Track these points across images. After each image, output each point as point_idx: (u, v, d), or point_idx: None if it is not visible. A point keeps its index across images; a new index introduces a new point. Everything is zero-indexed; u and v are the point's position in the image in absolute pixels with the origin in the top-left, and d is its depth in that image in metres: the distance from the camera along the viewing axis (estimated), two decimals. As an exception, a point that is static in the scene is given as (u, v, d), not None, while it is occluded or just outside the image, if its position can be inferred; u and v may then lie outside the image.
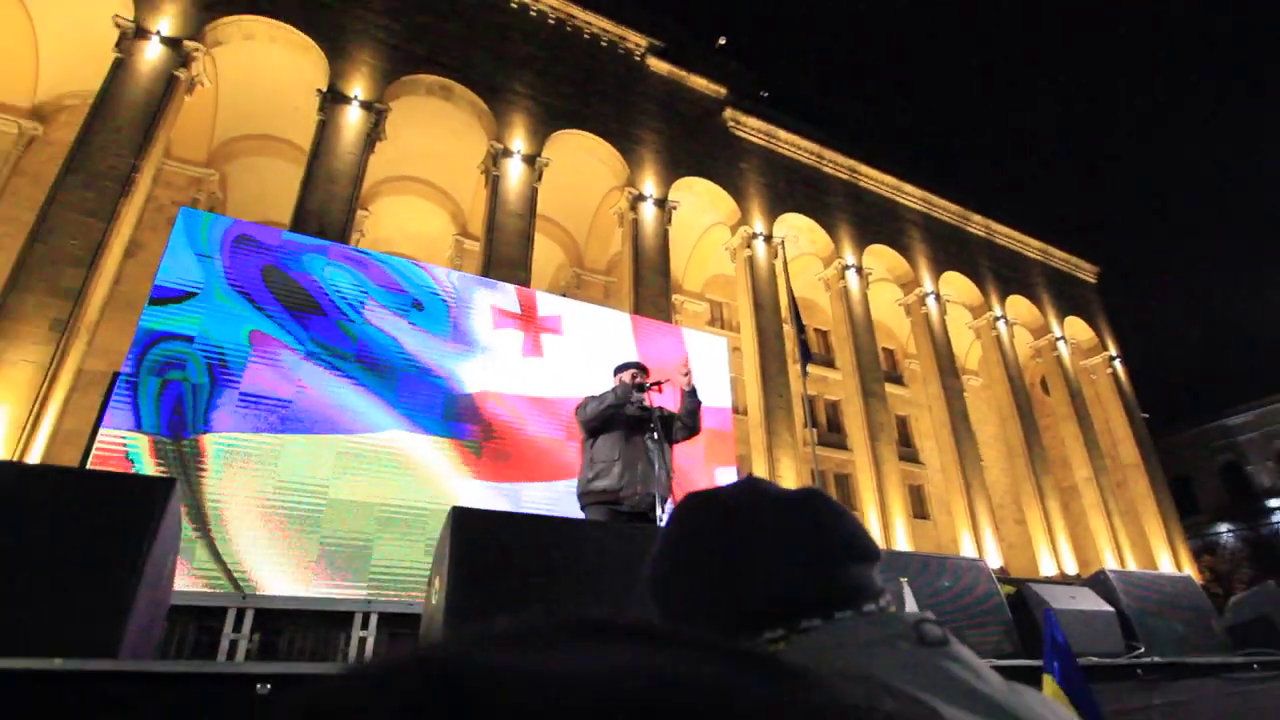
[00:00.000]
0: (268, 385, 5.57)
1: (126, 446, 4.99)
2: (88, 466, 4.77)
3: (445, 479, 5.95)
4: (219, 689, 1.44)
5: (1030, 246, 26.23)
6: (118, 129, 11.82)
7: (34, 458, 9.36)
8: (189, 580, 4.81)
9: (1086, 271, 27.74)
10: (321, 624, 6.99)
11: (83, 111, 12.37)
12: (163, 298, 5.51)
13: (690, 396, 4.20)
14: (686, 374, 4.17)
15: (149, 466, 4.97)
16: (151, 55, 12.75)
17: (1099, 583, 3.50)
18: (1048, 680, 1.62)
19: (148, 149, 11.97)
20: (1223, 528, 31.17)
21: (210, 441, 5.22)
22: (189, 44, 13.17)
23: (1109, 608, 3.30)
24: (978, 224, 24.99)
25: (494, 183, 15.61)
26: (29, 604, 1.49)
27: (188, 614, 6.13)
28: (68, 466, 8.14)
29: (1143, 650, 3.11)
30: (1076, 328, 25.87)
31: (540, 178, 16.22)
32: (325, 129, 13.90)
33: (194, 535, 4.84)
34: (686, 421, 4.26)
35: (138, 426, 5.05)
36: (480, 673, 0.22)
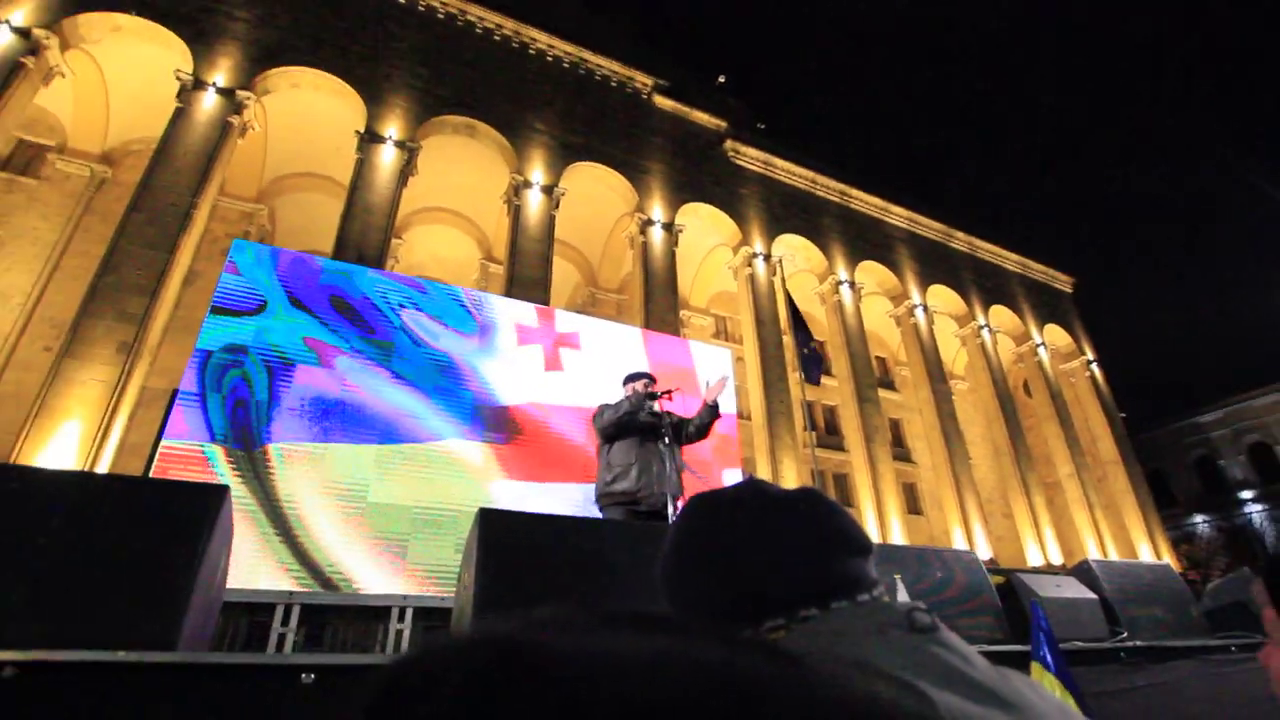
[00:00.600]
0: (320, 386, 5.62)
1: (204, 451, 5.04)
2: (150, 475, 4.83)
3: (474, 482, 5.96)
4: (267, 679, 1.43)
5: (1010, 260, 26.02)
6: (177, 171, 12.04)
7: (103, 468, 9.47)
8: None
9: (1063, 282, 27.46)
10: (361, 618, 7.00)
11: (147, 155, 12.62)
12: (224, 308, 5.58)
13: (713, 410, 4.20)
14: (720, 392, 4.18)
15: (225, 472, 5.02)
16: (208, 104, 13.01)
17: (1083, 572, 3.43)
18: (1036, 667, 1.59)
19: (204, 188, 12.18)
20: (1199, 519, 30.53)
21: (273, 449, 5.27)
22: (241, 93, 13.43)
23: (1093, 595, 3.23)
24: (960, 240, 24.85)
25: (515, 211, 15.74)
26: (96, 601, 1.50)
27: (240, 609, 6.16)
28: (132, 475, 8.23)
29: (1125, 635, 3.04)
30: (1055, 334, 25.59)
31: (557, 206, 16.34)
32: (363, 166, 14.09)
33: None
34: (701, 425, 4.26)
35: (210, 438, 5.11)
36: (536, 649, 0.23)
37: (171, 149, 12.25)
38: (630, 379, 4.31)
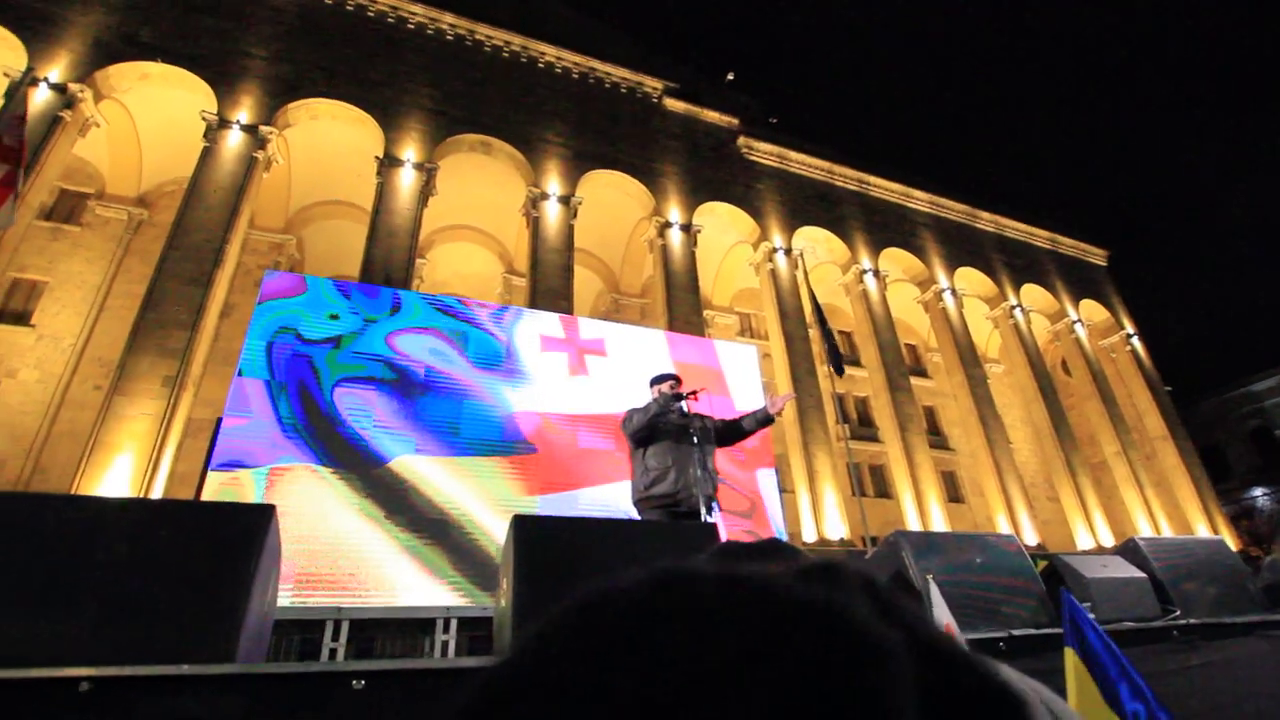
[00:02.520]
0: (348, 407, 5.77)
1: (248, 476, 5.23)
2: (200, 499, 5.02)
3: (508, 491, 6.05)
4: (321, 686, 1.50)
5: (1039, 237, 25.37)
6: (208, 208, 12.49)
7: (155, 496, 9.84)
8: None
9: (1097, 255, 26.66)
10: (408, 630, 7.15)
11: (180, 195, 13.13)
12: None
13: (769, 420, 4.21)
14: (779, 409, 4.19)
15: (262, 494, 5.20)
16: (233, 142, 13.48)
17: (1130, 550, 3.34)
18: (1069, 653, 1.56)
19: (234, 223, 12.62)
20: (1257, 492, 29.21)
21: (313, 469, 5.43)
22: (264, 129, 13.87)
23: (1141, 574, 3.14)
24: (986, 220, 24.32)
25: (534, 224, 15.93)
26: (159, 618, 1.58)
27: (292, 627, 6.35)
28: (184, 500, 8.56)
29: (1178, 613, 2.95)
30: (1092, 310, 24.84)
31: (575, 215, 16.48)
32: (384, 190, 14.42)
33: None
34: (751, 428, 4.27)
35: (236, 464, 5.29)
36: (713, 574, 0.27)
37: (201, 188, 12.71)
38: (656, 381, 4.33)
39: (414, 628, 7.04)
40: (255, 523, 1.89)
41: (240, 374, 5.70)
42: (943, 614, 1.69)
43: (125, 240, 15.05)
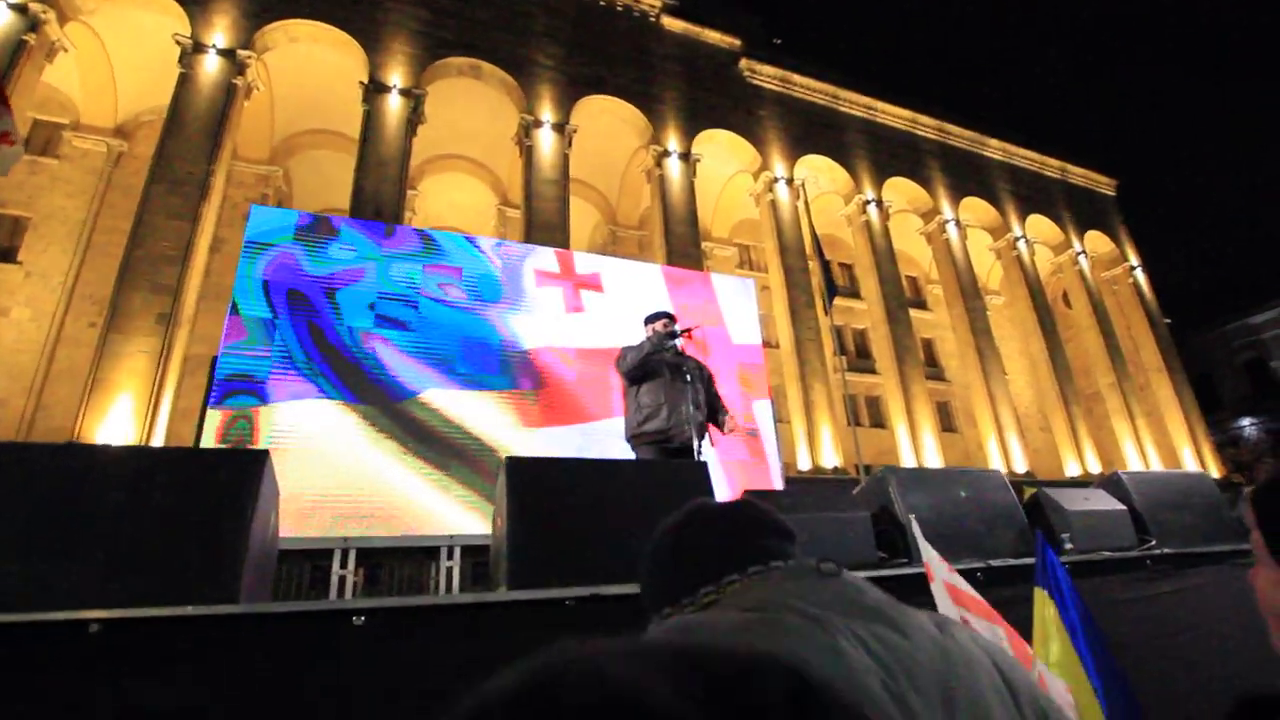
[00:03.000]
0: (345, 340, 5.79)
1: (244, 415, 5.29)
2: (199, 439, 5.10)
3: (507, 426, 6.15)
4: (322, 624, 1.57)
5: (1049, 166, 24.69)
6: (189, 139, 12.06)
7: (159, 433, 10.01)
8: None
9: (1105, 185, 26.04)
10: (414, 557, 7.44)
11: (159, 126, 12.65)
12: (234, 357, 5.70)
13: (725, 425, 4.18)
14: (733, 426, 4.16)
15: (266, 432, 5.28)
16: (210, 68, 12.85)
17: (1113, 484, 3.43)
18: (1038, 592, 1.63)
19: (217, 154, 12.21)
20: (1245, 422, 29.74)
21: (307, 404, 5.49)
22: (242, 53, 13.21)
23: (1121, 507, 3.24)
24: (994, 148, 23.59)
25: (528, 153, 15.44)
26: (162, 563, 1.64)
27: (302, 556, 6.59)
28: (181, 447, 8.70)
29: (1154, 543, 3.06)
30: (1097, 241, 24.51)
31: (570, 144, 15.96)
32: (370, 118, 13.89)
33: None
34: (718, 422, 4.25)
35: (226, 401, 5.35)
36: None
37: (181, 117, 12.23)
38: (650, 319, 4.33)
39: (420, 554, 7.33)
40: (250, 468, 1.92)
41: (234, 310, 5.67)
42: (925, 550, 1.75)
43: (106, 173, 14.62)
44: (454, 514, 5.67)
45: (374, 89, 14.10)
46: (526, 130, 15.60)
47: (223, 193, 13.19)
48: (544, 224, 14.53)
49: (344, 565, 5.28)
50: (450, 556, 5.63)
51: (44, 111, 14.45)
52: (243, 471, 1.91)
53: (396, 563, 7.67)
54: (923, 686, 0.55)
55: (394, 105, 14.18)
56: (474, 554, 6.11)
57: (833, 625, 0.59)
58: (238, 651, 1.45)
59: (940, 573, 1.65)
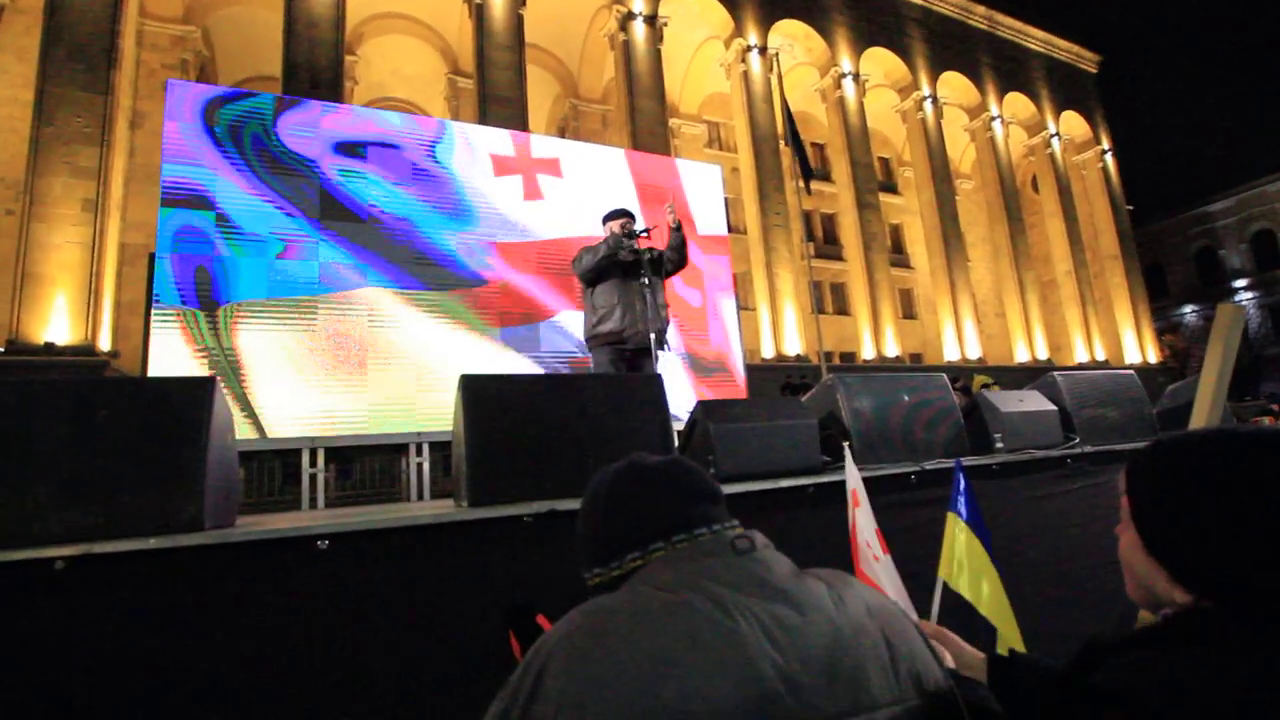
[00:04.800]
0: (293, 255, 5.56)
1: (190, 315, 5.13)
2: (148, 343, 4.97)
3: (467, 324, 6.12)
4: (287, 550, 1.65)
5: (1033, 38, 23.64)
6: (84, -12, 10.58)
7: (105, 332, 9.67)
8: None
9: (1088, 61, 25.20)
10: (383, 453, 7.62)
11: (44, -28, 11.01)
12: (173, 198, 5.30)
13: (675, 232, 4.12)
14: (671, 211, 4.09)
15: (208, 337, 5.16)
16: (96, -103, 11.02)
17: (1047, 385, 3.65)
18: (950, 517, 1.78)
19: (121, 11, 10.80)
20: (1188, 309, 31.24)
21: (249, 307, 5.34)
22: (131, -121, 11.31)
23: (1053, 407, 3.48)
24: (980, 16, 22.36)
25: (478, 11, 14.05)
26: (122, 497, 1.67)
27: (273, 456, 6.70)
28: (126, 377, 8.44)
29: (1077, 440, 3.33)
30: (1072, 124, 24.13)
31: (524, 3, 14.54)
32: (295, -35, 12.31)
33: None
34: (672, 256, 4.23)
35: (183, 303, 5.16)
36: None
37: (69, -39, 10.64)
38: (609, 217, 4.21)
39: (390, 449, 7.51)
40: (199, 395, 1.91)
41: (164, 204, 5.31)
42: (852, 477, 1.88)
43: (-8, 31, 12.86)
44: (421, 415, 5.77)
45: (296, -69, 12.37)
46: (475, -14, 14.11)
47: (135, 58, 11.85)
48: (499, 97, 13.56)
49: (313, 464, 5.40)
50: (419, 453, 5.79)
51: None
52: (192, 399, 1.90)
53: (367, 457, 7.87)
54: (810, 661, 0.63)
55: (322, -48, 12.54)
56: (444, 449, 6.29)
57: (736, 606, 0.65)
58: (203, 578, 1.53)
59: (863, 497, 1.79)
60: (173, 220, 5.24)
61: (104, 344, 9.73)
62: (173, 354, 5.00)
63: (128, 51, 11.09)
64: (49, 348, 9.08)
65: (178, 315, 5.13)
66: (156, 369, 4.89)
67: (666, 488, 0.81)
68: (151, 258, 5.31)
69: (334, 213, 5.79)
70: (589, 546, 0.83)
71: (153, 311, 5.10)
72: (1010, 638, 1.65)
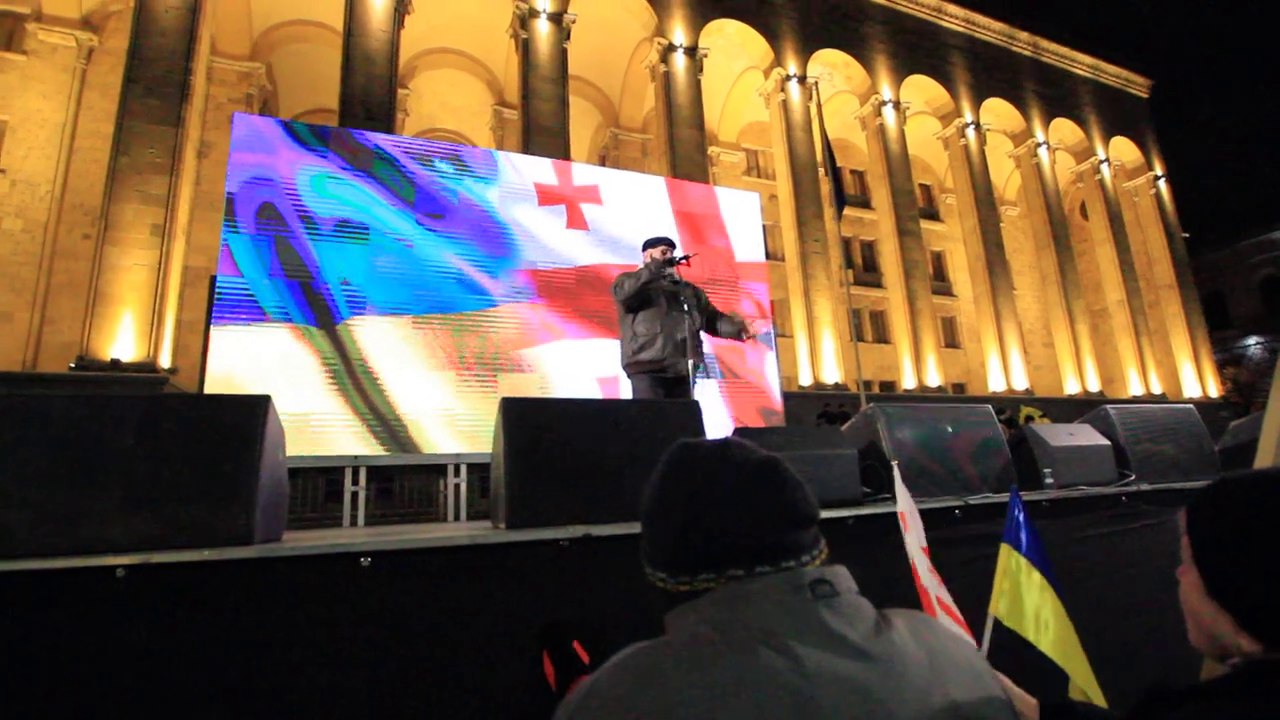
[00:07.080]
0: (350, 262, 5.78)
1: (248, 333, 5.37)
2: (205, 359, 5.20)
3: (510, 346, 6.23)
4: (331, 565, 1.69)
5: (1080, 63, 23.21)
6: (163, 32, 11.36)
7: (166, 349, 10.15)
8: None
9: (1139, 86, 24.58)
10: (423, 474, 7.74)
11: (128, 17, 11.87)
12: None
13: (741, 335, 4.20)
14: (753, 334, 4.22)
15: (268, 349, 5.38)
16: (176, -52, 11.88)
17: (1099, 419, 3.51)
18: (1004, 548, 1.72)
19: (195, 49, 11.54)
20: (1252, 340, 29.68)
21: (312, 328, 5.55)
22: (209, -70, 12.16)
23: (1105, 441, 3.33)
24: (1024, 42, 22.09)
25: (524, 46, 14.56)
26: (178, 508, 1.74)
27: (316, 473, 6.88)
28: (186, 394, 8.85)
29: (1133, 478, 3.18)
30: (1122, 148, 23.48)
31: (568, 37, 15.01)
32: (354, 6, 13.00)
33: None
34: (722, 332, 4.29)
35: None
36: None
37: (151, 7, 11.45)
38: (648, 245, 4.26)
39: (430, 470, 7.64)
40: (253, 413, 1.99)
41: (228, 231, 5.59)
42: (903, 500, 1.84)
43: (79, 71, 13.87)
44: (460, 433, 5.87)
45: (356, -26, 13.10)
46: (522, 21, 14.64)
47: (205, 93, 12.60)
48: (543, 127, 13.94)
49: (355, 482, 5.53)
50: (457, 474, 5.88)
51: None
52: (246, 416, 1.98)
53: (407, 478, 8.02)
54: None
55: (379, -8, 13.23)
56: (481, 470, 6.36)
57: (816, 670, 0.58)
58: (251, 590, 1.58)
59: (914, 525, 1.75)
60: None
61: (164, 361, 10.22)
62: (228, 366, 5.23)
63: (199, 87, 11.82)
64: (114, 364, 9.58)
65: (240, 336, 5.36)
66: (212, 385, 5.11)
67: (761, 501, 0.69)
68: (212, 280, 5.58)
69: (389, 238, 6.01)
70: (656, 543, 0.72)
71: (213, 330, 5.35)
72: (1080, 677, 1.54)
